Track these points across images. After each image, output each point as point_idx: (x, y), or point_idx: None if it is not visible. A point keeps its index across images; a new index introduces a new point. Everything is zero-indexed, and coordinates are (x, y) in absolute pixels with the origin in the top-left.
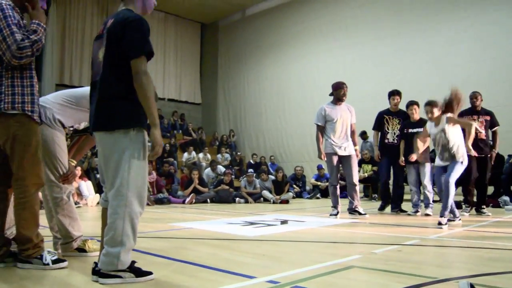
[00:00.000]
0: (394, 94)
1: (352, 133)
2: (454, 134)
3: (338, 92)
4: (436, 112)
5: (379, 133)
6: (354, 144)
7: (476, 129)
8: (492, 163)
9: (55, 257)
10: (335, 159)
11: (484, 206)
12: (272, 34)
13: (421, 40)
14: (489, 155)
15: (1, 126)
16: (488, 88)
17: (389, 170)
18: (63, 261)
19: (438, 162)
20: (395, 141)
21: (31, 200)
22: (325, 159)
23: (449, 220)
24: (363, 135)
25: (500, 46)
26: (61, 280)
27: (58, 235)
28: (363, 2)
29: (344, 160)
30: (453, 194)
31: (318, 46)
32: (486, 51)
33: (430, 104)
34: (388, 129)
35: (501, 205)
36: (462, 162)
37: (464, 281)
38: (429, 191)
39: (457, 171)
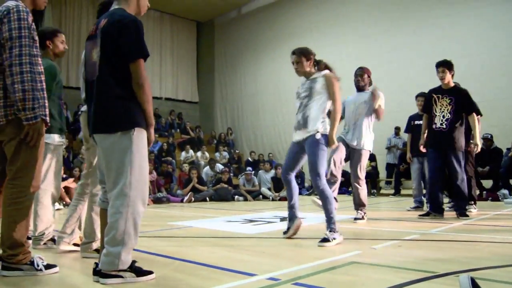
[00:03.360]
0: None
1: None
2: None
3: None
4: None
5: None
6: None
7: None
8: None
9: (46, 263)
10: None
11: (472, 202)
12: (268, 31)
13: (414, 36)
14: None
15: (12, 126)
16: (484, 83)
17: (441, 164)
18: (54, 266)
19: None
20: (444, 126)
21: (27, 202)
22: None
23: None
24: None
25: (493, 41)
26: (62, 281)
27: (68, 230)
28: None
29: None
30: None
31: (314, 43)
32: (480, 46)
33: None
34: (436, 111)
35: (500, 198)
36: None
37: (464, 275)
38: None
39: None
